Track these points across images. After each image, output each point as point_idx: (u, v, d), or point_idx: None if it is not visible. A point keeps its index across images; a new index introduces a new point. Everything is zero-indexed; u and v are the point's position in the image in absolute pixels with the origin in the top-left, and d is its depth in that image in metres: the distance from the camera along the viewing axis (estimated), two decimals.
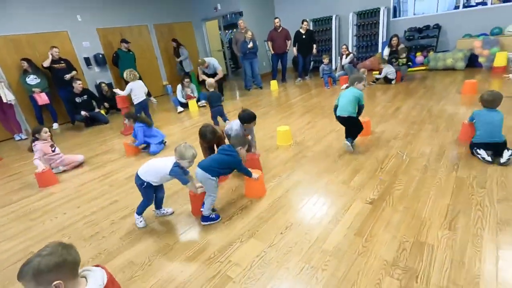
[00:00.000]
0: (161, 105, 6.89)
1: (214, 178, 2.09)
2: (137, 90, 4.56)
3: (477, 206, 1.89)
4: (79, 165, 3.69)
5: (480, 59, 5.60)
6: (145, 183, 2.07)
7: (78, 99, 5.53)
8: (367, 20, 7.37)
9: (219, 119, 4.48)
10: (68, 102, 5.62)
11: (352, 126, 2.92)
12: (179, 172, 2.01)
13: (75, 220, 2.43)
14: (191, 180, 2.16)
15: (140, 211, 2.20)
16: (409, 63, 5.70)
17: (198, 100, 6.02)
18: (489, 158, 2.38)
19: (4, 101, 5.09)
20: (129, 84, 4.52)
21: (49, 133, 3.55)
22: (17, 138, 5.49)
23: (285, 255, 1.71)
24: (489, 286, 1.34)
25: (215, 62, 5.92)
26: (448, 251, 1.57)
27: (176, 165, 1.99)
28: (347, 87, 5.64)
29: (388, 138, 3.17)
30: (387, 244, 1.68)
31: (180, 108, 5.74)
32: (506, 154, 2.30)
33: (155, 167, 2.07)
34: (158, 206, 2.32)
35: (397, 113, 3.94)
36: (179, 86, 5.98)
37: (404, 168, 2.50)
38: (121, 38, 7.07)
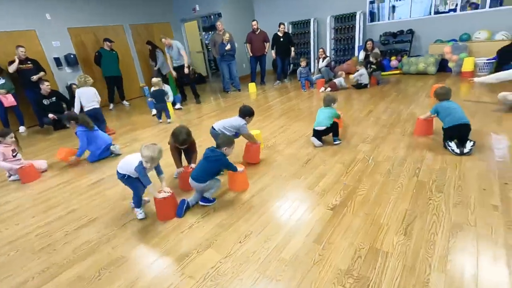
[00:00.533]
0: (137, 108, 6.72)
1: (206, 183, 2.24)
2: (84, 97, 4.35)
3: (434, 210, 1.92)
4: (42, 171, 3.51)
5: (450, 64, 5.79)
6: (126, 175, 2.18)
7: (46, 101, 5.28)
8: (344, 24, 7.48)
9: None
10: (36, 104, 5.36)
11: (331, 130, 3.19)
12: (142, 172, 2.06)
13: (27, 231, 2.28)
14: (163, 180, 2.25)
15: (137, 204, 2.26)
16: (379, 70, 5.78)
17: (173, 103, 5.90)
18: (457, 151, 2.60)
19: None
20: (76, 91, 4.38)
21: (15, 139, 3.39)
22: None
23: (241, 265, 1.66)
24: None
25: (179, 44, 5.91)
26: (401, 257, 1.57)
27: (141, 163, 2.04)
28: (325, 89, 5.68)
29: (357, 142, 3.20)
30: (343, 252, 1.66)
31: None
32: (468, 145, 2.58)
33: (128, 162, 2.16)
34: None
35: (368, 117, 4.00)
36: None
37: (369, 173, 2.52)
38: (94, 38, 6.91)
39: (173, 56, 5.97)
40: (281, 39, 6.78)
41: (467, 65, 5.42)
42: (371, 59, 5.74)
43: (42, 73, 5.56)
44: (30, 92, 5.43)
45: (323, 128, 3.14)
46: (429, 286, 1.38)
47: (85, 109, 4.38)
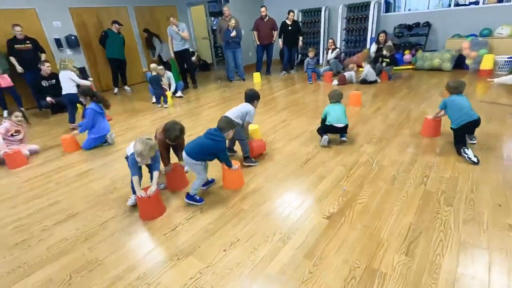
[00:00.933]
0: (139, 93, 6.56)
1: (198, 162, 2.11)
2: (61, 80, 4.32)
3: (441, 227, 1.73)
4: (32, 155, 3.41)
5: (467, 61, 5.44)
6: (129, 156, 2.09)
7: (44, 83, 5.12)
8: (357, 14, 7.10)
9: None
10: (34, 85, 5.22)
11: (346, 128, 2.99)
12: (131, 161, 1.99)
13: (4, 223, 2.17)
14: (154, 177, 2.10)
15: (133, 190, 2.17)
16: (392, 65, 5.45)
17: (175, 91, 5.71)
18: (474, 159, 2.37)
19: None
20: (60, 73, 4.40)
21: (20, 119, 3.43)
22: None
23: (222, 279, 1.51)
24: None
25: (184, 25, 5.93)
26: (401, 282, 1.40)
27: (133, 154, 1.96)
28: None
29: (362, 142, 2.99)
30: (336, 270, 1.50)
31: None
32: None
33: (129, 147, 2.11)
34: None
35: (376, 114, 3.76)
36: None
37: (372, 178, 2.32)
38: (97, 19, 6.73)
39: (175, 38, 5.84)
40: (290, 28, 6.47)
41: (486, 63, 5.07)
42: (384, 52, 5.43)
43: (44, 55, 5.45)
44: (29, 73, 5.28)
45: (342, 125, 2.91)
46: None
47: (64, 92, 4.33)
